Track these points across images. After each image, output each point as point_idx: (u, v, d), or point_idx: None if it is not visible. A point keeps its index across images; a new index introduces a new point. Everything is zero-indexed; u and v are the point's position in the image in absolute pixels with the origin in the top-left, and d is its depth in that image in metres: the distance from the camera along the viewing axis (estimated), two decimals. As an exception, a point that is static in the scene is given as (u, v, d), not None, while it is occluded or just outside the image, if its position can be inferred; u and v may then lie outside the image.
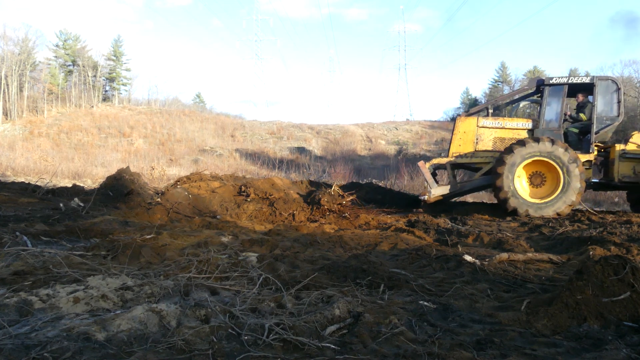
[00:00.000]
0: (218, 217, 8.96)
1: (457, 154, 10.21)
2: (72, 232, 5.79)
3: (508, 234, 6.87)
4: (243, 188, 10.41)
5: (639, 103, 43.67)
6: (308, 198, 10.27)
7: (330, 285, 3.75)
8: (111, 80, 65.07)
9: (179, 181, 11.07)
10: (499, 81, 67.08)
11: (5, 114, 50.19)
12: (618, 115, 9.75)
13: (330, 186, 11.17)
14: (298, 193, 11.14)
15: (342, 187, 11.46)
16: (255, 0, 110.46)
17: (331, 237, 6.41)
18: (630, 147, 9.66)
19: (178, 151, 41.15)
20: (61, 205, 8.47)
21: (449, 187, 9.73)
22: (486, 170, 9.91)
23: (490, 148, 10.09)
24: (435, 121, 61.98)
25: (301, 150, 45.06)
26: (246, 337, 2.51)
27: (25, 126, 46.43)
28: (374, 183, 16.04)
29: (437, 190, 9.47)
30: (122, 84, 66.28)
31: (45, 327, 2.53)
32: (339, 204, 9.95)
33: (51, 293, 3.07)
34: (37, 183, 13.08)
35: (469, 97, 68.20)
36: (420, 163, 9.72)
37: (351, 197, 10.26)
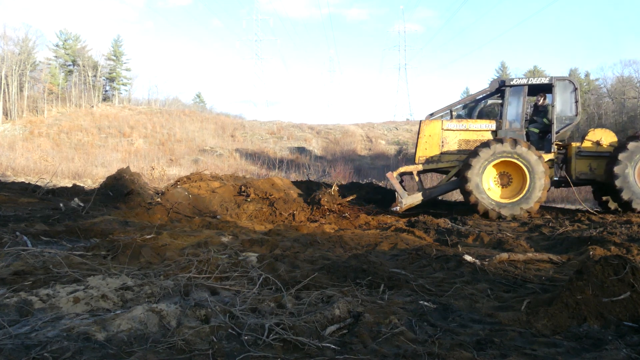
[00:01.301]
0: (218, 217, 8.96)
1: (424, 158, 10.35)
2: (72, 232, 5.79)
3: (508, 234, 6.87)
4: (243, 188, 10.42)
5: (639, 103, 43.67)
6: (308, 198, 10.27)
7: (330, 285, 3.75)
8: (111, 80, 65.07)
9: (179, 181, 11.07)
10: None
11: (6, 114, 50.20)
12: (576, 115, 9.94)
13: (330, 186, 11.17)
14: (298, 193, 11.14)
15: (342, 187, 11.46)
16: (255, 0, 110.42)
17: (331, 237, 6.41)
18: (585, 144, 9.86)
19: (178, 151, 41.16)
20: (61, 205, 8.47)
21: (419, 194, 9.81)
22: (454, 173, 10.04)
23: (455, 151, 10.23)
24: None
25: (301, 150, 45.06)
26: (246, 337, 2.51)
27: (25, 126, 46.44)
28: (374, 183, 16.04)
29: (408, 200, 9.55)
30: (122, 84, 66.32)
31: (45, 327, 2.53)
32: (339, 204, 9.95)
33: (51, 293, 3.07)
34: (37, 183, 13.08)
35: (469, 97, 68.02)
36: (389, 174, 9.77)
37: (350, 198, 10.26)
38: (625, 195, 9.05)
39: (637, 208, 9.00)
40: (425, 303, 3.27)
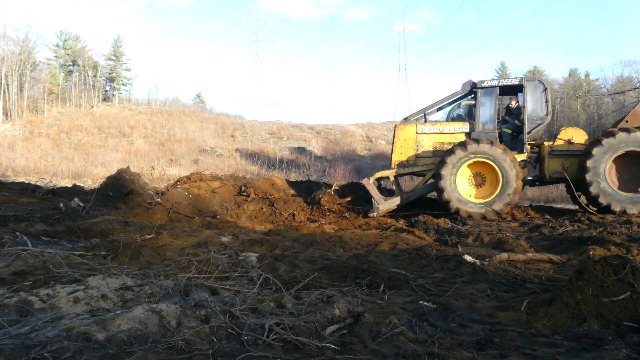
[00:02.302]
0: (218, 217, 8.96)
1: (400, 162, 10.46)
2: (72, 232, 5.79)
3: (508, 234, 6.87)
4: (243, 188, 10.42)
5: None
6: (308, 198, 10.27)
7: (330, 285, 3.75)
8: (111, 80, 65.07)
9: (179, 181, 11.07)
10: (499, 81, 66.98)
11: (6, 114, 50.20)
12: (547, 115, 10.05)
13: (330, 186, 11.17)
14: (298, 193, 11.14)
15: (342, 187, 11.45)
16: (256, 0, 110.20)
17: (331, 237, 6.41)
18: (558, 143, 10.00)
19: (178, 151, 41.14)
20: (61, 205, 8.47)
21: (397, 199, 9.87)
22: (430, 176, 10.13)
23: (430, 154, 10.35)
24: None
25: (301, 150, 45.06)
26: (246, 337, 2.51)
27: (26, 126, 46.43)
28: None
29: (385, 205, 9.61)
30: (122, 84, 66.31)
31: (45, 327, 2.53)
32: (339, 204, 9.94)
33: (51, 293, 3.07)
34: (37, 183, 13.08)
35: (469, 97, 68.08)
36: (365, 181, 9.82)
37: (346, 199, 10.23)
38: (593, 190, 9.13)
39: (603, 203, 9.08)
40: (425, 303, 3.27)
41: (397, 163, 10.39)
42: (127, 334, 2.49)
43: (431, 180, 9.99)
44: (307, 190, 11.51)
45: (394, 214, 10.15)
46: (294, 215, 9.39)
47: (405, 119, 10.92)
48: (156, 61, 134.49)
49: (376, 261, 4.37)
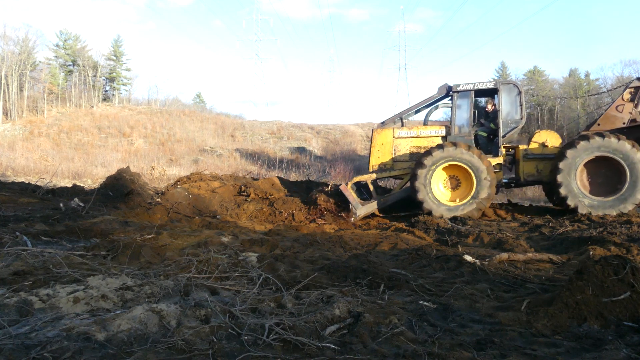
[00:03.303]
0: (218, 217, 8.96)
1: (377, 166, 10.53)
2: (72, 232, 5.79)
3: (508, 234, 6.87)
4: (243, 188, 10.42)
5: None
6: (306, 198, 10.27)
7: (330, 285, 3.75)
8: (111, 80, 65.07)
9: (179, 181, 11.07)
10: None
11: (6, 114, 50.19)
12: (521, 118, 10.11)
13: (328, 185, 11.16)
14: (298, 193, 11.13)
15: (336, 188, 11.43)
16: (256, 0, 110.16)
17: (331, 237, 6.41)
18: (532, 146, 10.05)
19: (178, 151, 41.14)
20: (61, 205, 8.47)
21: (374, 203, 9.90)
22: (407, 180, 10.18)
23: (408, 158, 10.39)
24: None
25: (301, 150, 45.06)
26: (246, 337, 2.51)
27: (25, 126, 46.43)
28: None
29: (362, 210, 9.63)
30: (122, 84, 66.32)
31: (45, 327, 2.53)
32: (336, 203, 9.93)
33: (51, 293, 3.07)
34: (37, 183, 13.08)
35: (469, 97, 67.95)
36: (342, 187, 9.82)
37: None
38: (563, 191, 9.18)
39: (571, 205, 9.16)
40: (425, 303, 3.27)
41: (374, 167, 10.47)
42: (127, 334, 2.49)
43: (408, 184, 10.04)
44: (307, 190, 11.51)
45: (394, 214, 10.15)
46: (293, 215, 9.39)
47: (383, 123, 10.98)
48: (156, 61, 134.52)
49: (376, 261, 4.37)
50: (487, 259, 4.56)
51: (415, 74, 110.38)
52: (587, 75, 53.44)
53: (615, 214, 8.83)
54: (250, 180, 11.64)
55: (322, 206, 9.63)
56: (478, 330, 2.78)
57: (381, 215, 10.18)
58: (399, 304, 3.28)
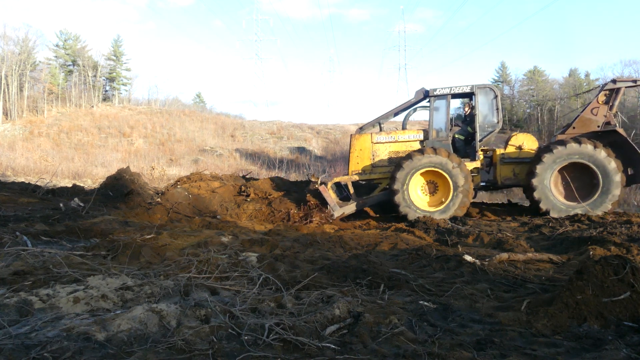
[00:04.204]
0: (218, 217, 8.96)
1: (356, 172, 10.55)
2: (72, 232, 5.79)
3: (508, 234, 6.87)
4: (243, 188, 10.41)
5: (639, 103, 43.69)
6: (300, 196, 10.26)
7: (330, 285, 3.75)
8: (111, 80, 65.09)
9: (179, 181, 11.06)
10: (499, 81, 67.05)
11: (6, 114, 50.20)
12: (498, 122, 10.14)
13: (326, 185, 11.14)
14: (298, 193, 11.12)
15: (340, 186, 11.42)
16: (256, 0, 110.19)
17: (331, 237, 6.41)
18: (509, 149, 10.12)
19: (178, 151, 41.14)
20: (61, 205, 8.47)
21: (353, 205, 9.94)
22: (385, 184, 10.22)
23: (386, 163, 10.42)
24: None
25: (301, 150, 45.08)
26: (246, 337, 2.51)
27: (25, 126, 46.44)
28: (374, 182, 16.01)
29: (339, 212, 9.66)
30: (122, 84, 66.34)
31: (45, 327, 2.53)
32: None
33: (51, 293, 3.07)
34: (37, 183, 13.08)
35: (469, 97, 67.94)
36: (321, 187, 9.82)
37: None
38: (537, 194, 9.26)
39: (543, 208, 9.25)
40: (425, 303, 3.27)
41: (353, 173, 10.50)
42: (127, 334, 2.49)
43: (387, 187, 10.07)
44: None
45: (395, 214, 10.15)
46: (289, 214, 9.36)
47: (361, 128, 11.02)
48: (156, 61, 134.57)
49: (376, 261, 4.37)
50: (487, 259, 4.56)
51: (415, 74, 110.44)
52: (587, 75, 53.52)
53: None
54: (242, 180, 11.57)
55: (312, 202, 9.63)
56: (478, 330, 2.78)
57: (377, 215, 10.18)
58: (399, 304, 3.28)
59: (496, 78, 67.22)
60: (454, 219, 9.00)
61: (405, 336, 2.63)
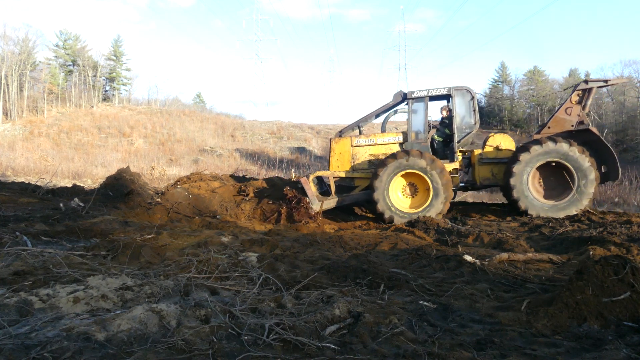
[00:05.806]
0: (218, 217, 8.96)
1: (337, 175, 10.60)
2: (72, 232, 5.79)
3: (508, 234, 6.87)
4: (243, 188, 10.40)
5: (639, 103, 43.71)
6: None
7: (330, 285, 3.74)
8: (111, 80, 65.11)
9: (179, 181, 11.06)
10: (499, 81, 67.11)
11: (5, 114, 50.21)
12: (475, 123, 10.19)
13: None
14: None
15: (339, 186, 11.43)
16: (256, 0, 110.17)
17: (331, 237, 6.41)
18: (487, 150, 10.17)
19: (178, 151, 41.15)
20: (61, 205, 8.47)
21: (333, 200, 9.98)
22: (365, 186, 10.25)
23: (366, 166, 10.45)
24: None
25: (301, 150, 45.10)
26: (246, 337, 2.51)
27: (25, 126, 46.45)
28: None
29: (318, 206, 9.66)
30: (122, 84, 66.36)
31: (45, 327, 2.53)
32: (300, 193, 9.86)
33: (51, 293, 3.07)
34: (37, 183, 13.07)
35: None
36: (303, 180, 9.82)
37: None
38: (515, 194, 9.32)
39: (522, 207, 9.31)
40: (425, 303, 3.27)
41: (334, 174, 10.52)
42: (127, 334, 2.49)
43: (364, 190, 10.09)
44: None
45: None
46: (279, 213, 9.31)
47: (341, 132, 11.04)
48: (156, 61, 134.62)
49: (376, 261, 4.37)
50: (487, 259, 4.56)
51: (415, 74, 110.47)
52: (587, 75, 53.48)
53: (562, 216, 9.00)
54: (231, 180, 11.52)
55: (289, 195, 9.60)
56: (478, 330, 2.78)
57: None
58: (399, 304, 3.28)
59: (496, 78, 67.27)
60: (454, 219, 9.00)
61: (405, 336, 2.63)
